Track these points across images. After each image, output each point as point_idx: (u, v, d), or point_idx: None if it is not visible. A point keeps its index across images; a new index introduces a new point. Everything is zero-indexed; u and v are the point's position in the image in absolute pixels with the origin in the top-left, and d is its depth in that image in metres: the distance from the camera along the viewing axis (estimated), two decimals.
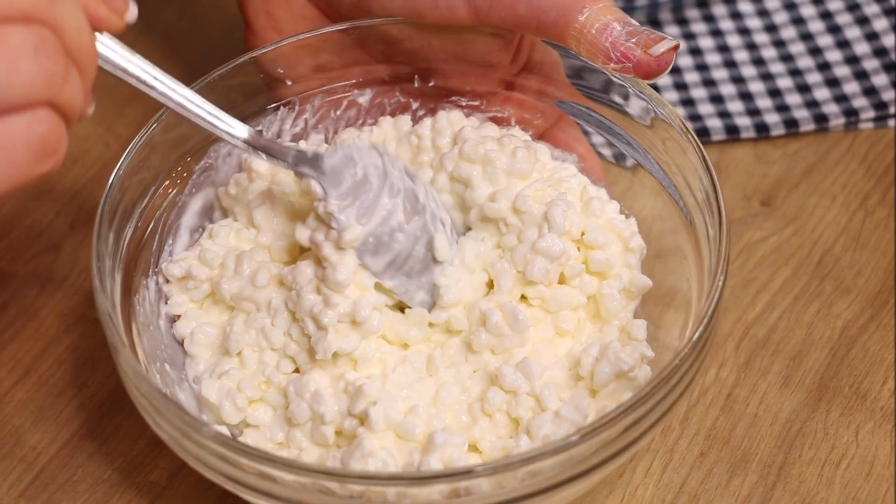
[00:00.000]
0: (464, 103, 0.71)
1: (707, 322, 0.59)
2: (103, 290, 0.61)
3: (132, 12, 0.55)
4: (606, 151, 0.71)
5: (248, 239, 0.67)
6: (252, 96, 0.70)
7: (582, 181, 0.68)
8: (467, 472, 0.55)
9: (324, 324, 0.62)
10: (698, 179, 0.64)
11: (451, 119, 0.69)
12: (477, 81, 0.70)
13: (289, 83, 0.70)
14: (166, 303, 0.66)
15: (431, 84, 0.71)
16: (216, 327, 0.66)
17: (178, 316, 0.66)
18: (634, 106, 0.67)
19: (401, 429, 0.60)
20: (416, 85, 0.71)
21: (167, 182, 0.67)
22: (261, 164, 0.68)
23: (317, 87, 0.71)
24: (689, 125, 0.65)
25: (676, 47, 0.63)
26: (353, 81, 0.71)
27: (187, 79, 0.80)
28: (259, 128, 0.70)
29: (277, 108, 0.71)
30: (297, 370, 0.64)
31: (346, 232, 0.62)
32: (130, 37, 0.88)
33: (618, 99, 0.68)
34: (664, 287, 0.66)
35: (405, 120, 0.71)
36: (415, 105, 0.72)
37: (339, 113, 0.72)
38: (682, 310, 0.65)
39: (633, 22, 0.63)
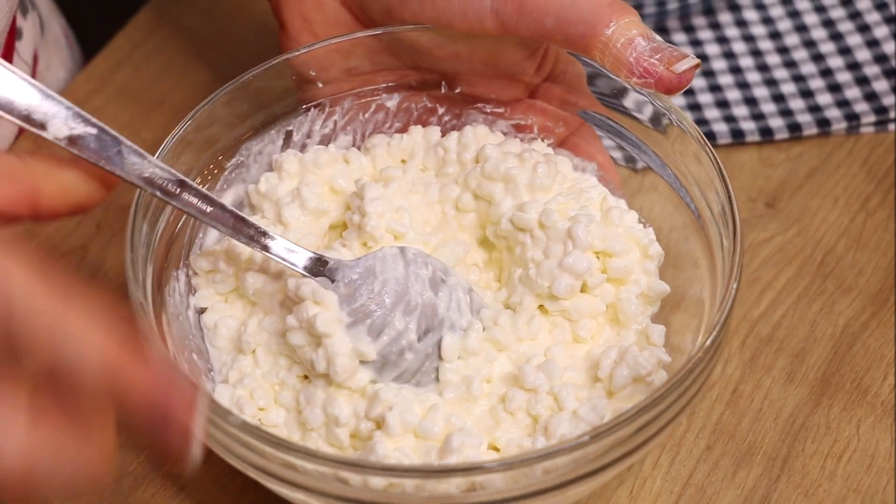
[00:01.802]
0: (488, 110, 0.72)
1: (719, 329, 0.59)
2: (136, 279, 0.61)
3: (195, 458, 0.52)
4: (617, 154, 0.72)
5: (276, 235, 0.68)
6: (284, 97, 0.71)
7: (602, 192, 0.69)
8: (482, 468, 0.56)
9: (332, 376, 0.63)
10: (714, 192, 0.65)
11: (476, 134, 0.70)
12: (502, 89, 0.71)
13: (320, 85, 0.71)
14: (194, 294, 0.67)
15: (458, 90, 0.72)
16: (238, 321, 0.67)
17: (205, 308, 0.67)
18: (652, 115, 0.68)
19: (419, 430, 0.61)
20: (443, 91, 0.72)
21: (199, 178, 0.68)
22: (291, 163, 0.69)
23: (347, 89, 0.72)
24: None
25: (697, 66, 0.64)
26: (382, 86, 0.72)
27: (212, 84, 0.81)
28: (290, 128, 0.71)
29: (308, 110, 0.71)
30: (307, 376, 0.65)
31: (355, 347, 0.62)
32: (156, 42, 0.89)
33: (635, 108, 0.69)
34: (677, 291, 0.67)
35: (435, 131, 0.71)
36: (441, 110, 0.72)
37: (367, 116, 0.72)
38: (695, 314, 0.65)
39: (657, 38, 0.64)
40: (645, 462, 0.68)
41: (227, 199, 0.70)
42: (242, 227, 0.62)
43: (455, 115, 0.73)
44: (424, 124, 0.73)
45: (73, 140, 0.57)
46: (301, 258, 0.63)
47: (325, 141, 0.72)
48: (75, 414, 0.50)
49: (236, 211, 0.62)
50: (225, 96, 0.68)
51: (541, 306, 0.66)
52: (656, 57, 0.63)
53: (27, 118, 0.57)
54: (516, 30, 0.66)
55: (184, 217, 0.67)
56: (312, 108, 0.71)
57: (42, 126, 0.57)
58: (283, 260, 0.63)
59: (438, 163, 0.70)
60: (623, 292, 0.66)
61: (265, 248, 0.63)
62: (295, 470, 0.57)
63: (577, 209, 0.66)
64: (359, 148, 0.72)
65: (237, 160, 0.70)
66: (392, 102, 0.72)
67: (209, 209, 0.61)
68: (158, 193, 0.60)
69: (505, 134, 0.72)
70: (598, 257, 0.66)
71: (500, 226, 0.67)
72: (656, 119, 0.68)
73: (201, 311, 0.67)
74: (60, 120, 0.57)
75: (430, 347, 0.64)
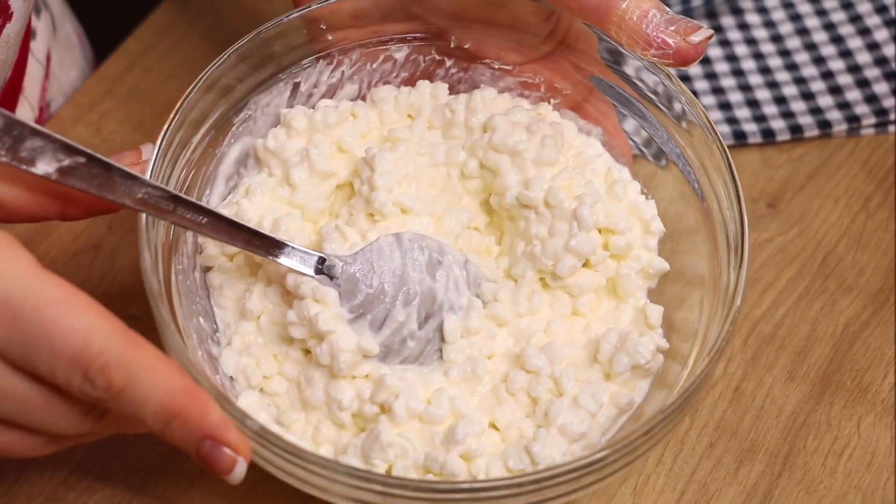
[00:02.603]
0: (496, 66, 0.72)
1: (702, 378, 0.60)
2: (149, 245, 0.61)
3: (239, 470, 0.58)
4: (635, 140, 0.72)
5: (283, 198, 0.68)
6: (294, 50, 0.70)
7: (607, 162, 0.69)
8: (485, 489, 0.57)
9: (335, 370, 0.63)
10: (722, 182, 0.65)
11: (485, 98, 0.69)
12: (512, 48, 0.71)
13: (330, 38, 0.70)
14: (201, 253, 0.67)
15: (467, 46, 0.71)
16: (244, 283, 0.67)
17: (210, 267, 0.67)
18: (664, 96, 0.68)
19: (425, 416, 0.62)
20: (452, 45, 0.71)
21: (209, 136, 0.68)
22: (300, 121, 0.69)
23: (356, 41, 0.71)
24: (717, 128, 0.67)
25: (711, 36, 0.64)
26: (392, 37, 0.71)
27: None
28: (298, 80, 0.71)
29: (317, 61, 0.71)
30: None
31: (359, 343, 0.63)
32: (167, 45, 0.89)
33: (648, 88, 0.69)
34: (678, 268, 0.67)
35: (442, 88, 0.71)
36: (448, 63, 0.72)
37: (374, 66, 0.72)
38: (693, 287, 0.66)
39: (669, 10, 0.64)
40: (648, 459, 0.68)
41: (234, 152, 0.69)
42: (238, 234, 0.62)
43: (462, 68, 0.72)
44: (431, 76, 0.73)
45: (63, 172, 0.58)
46: (301, 260, 0.64)
47: (332, 91, 0.72)
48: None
49: (231, 218, 0.62)
50: (238, 51, 0.67)
51: (541, 279, 0.67)
52: (671, 28, 0.64)
53: (15, 157, 0.57)
54: None
55: (191, 175, 0.67)
56: (321, 60, 0.71)
57: (31, 162, 0.57)
58: (286, 263, 0.64)
59: (445, 123, 0.70)
60: (623, 268, 0.67)
61: (267, 253, 0.63)
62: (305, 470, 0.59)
63: (583, 185, 0.67)
64: (364, 98, 0.72)
65: (245, 114, 0.69)
66: (400, 54, 0.72)
67: (204, 220, 0.61)
68: (153, 213, 0.60)
69: (511, 90, 0.72)
70: (599, 232, 0.67)
71: (504, 198, 0.67)
72: (671, 104, 0.68)
73: (206, 269, 0.67)
74: (48, 154, 0.57)
75: (431, 332, 0.65)
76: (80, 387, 0.55)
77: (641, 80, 0.69)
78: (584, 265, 0.66)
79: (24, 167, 0.57)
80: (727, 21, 0.89)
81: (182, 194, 0.61)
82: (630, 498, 0.67)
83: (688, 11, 0.88)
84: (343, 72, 0.72)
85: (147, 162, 0.62)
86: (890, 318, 0.74)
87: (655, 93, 0.68)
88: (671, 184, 0.69)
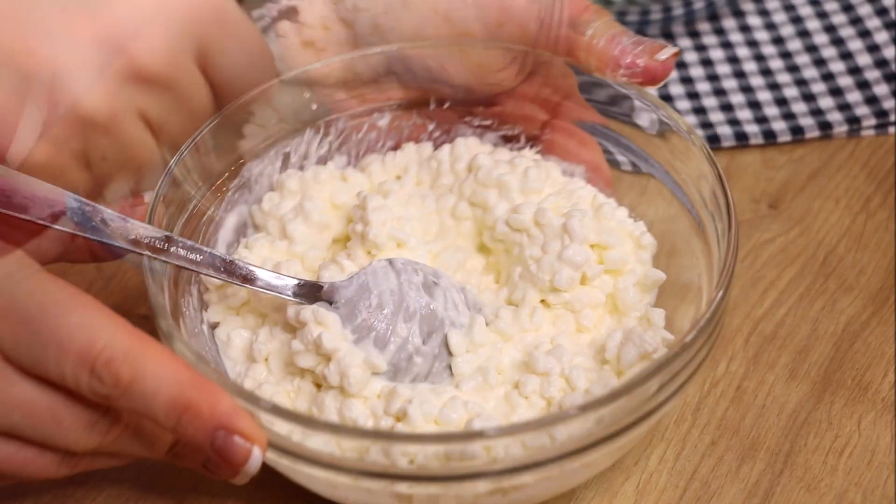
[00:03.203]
0: (476, 123, 0.73)
1: (721, 298, 0.60)
2: (158, 295, 0.62)
3: (254, 460, 0.58)
4: (622, 158, 0.73)
5: (282, 249, 0.69)
6: (280, 120, 0.72)
7: (592, 191, 0.70)
8: (495, 434, 0.57)
9: (346, 388, 0.64)
10: (706, 181, 0.66)
11: (467, 145, 0.71)
12: (488, 99, 0.72)
13: (314, 107, 0.72)
14: (207, 310, 0.68)
15: (446, 106, 0.73)
16: (251, 332, 0.67)
17: (218, 323, 0.68)
18: (644, 117, 0.69)
19: (440, 418, 0.62)
20: (432, 108, 0.73)
21: (204, 199, 0.69)
22: (293, 181, 0.70)
23: (339, 111, 0.73)
24: (700, 132, 0.67)
25: (678, 54, 0.66)
26: (373, 106, 0.73)
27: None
28: (287, 149, 0.72)
29: (304, 131, 0.72)
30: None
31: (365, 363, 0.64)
32: None
33: (627, 111, 0.70)
34: (676, 282, 0.68)
35: (427, 147, 0.73)
36: (430, 126, 0.74)
37: (360, 136, 0.74)
38: (693, 302, 0.67)
39: (634, 34, 0.67)
40: (651, 457, 0.69)
41: (231, 220, 0.71)
42: (235, 269, 0.63)
43: (444, 130, 0.74)
44: (416, 141, 0.74)
45: (55, 216, 0.58)
46: (294, 287, 0.64)
47: (322, 162, 0.73)
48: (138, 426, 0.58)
49: (224, 256, 0.63)
50: (222, 120, 0.68)
51: (542, 301, 0.67)
52: (639, 49, 0.66)
53: (7, 204, 0.58)
54: (499, 34, 0.68)
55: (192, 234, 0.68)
56: (308, 130, 0.73)
57: (23, 209, 0.58)
58: (280, 294, 0.64)
59: (433, 175, 0.71)
60: (620, 282, 0.67)
61: (265, 287, 0.64)
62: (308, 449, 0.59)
63: (570, 206, 0.68)
64: (354, 167, 0.74)
65: (240, 181, 0.71)
66: (383, 122, 0.74)
67: (199, 258, 0.62)
68: (147, 253, 0.60)
69: (494, 146, 0.74)
70: (593, 250, 0.67)
71: (495, 230, 0.68)
72: (650, 121, 0.69)
73: (214, 325, 0.68)
74: (39, 200, 0.58)
75: (437, 348, 0.65)
76: (89, 384, 0.55)
77: (615, 104, 0.70)
78: (582, 282, 0.67)
79: (17, 214, 0.58)
80: (729, 23, 0.89)
81: (175, 235, 0.62)
82: (633, 495, 0.68)
83: (690, 14, 0.88)
84: (330, 142, 0.73)
85: (147, 205, 0.63)
86: (890, 318, 0.74)
87: (630, 112, 0.69)
88: (659, 197, 0.70)
